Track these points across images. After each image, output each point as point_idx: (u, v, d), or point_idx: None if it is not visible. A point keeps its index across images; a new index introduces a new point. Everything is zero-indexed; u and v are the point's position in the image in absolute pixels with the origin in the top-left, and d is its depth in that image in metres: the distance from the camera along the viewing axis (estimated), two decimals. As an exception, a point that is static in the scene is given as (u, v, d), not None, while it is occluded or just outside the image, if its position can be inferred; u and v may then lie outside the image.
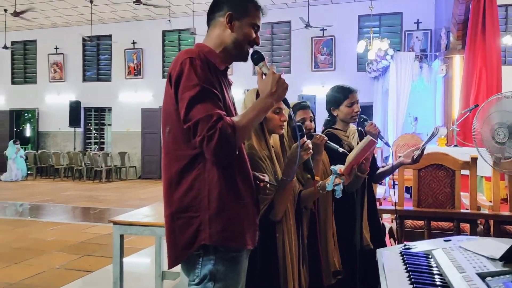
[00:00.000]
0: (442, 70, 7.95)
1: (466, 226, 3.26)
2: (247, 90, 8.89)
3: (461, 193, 3.49)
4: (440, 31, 8.94)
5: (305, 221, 2.14)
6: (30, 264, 4.24)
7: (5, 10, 11.32)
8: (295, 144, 1.79)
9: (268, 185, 1.65)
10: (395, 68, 8.44)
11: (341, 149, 2.14)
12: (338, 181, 1.81)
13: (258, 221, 1.63)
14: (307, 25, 9.69)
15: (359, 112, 2.51)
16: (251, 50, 1.58)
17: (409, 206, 3.44)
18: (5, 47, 11.87)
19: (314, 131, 2.34)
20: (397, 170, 2.89)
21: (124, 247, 3.07)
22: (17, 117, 15.39)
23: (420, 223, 3.40)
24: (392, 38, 10.40)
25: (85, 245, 4.98)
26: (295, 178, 1.92)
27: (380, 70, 9.20)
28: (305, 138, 1.79)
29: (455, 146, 5.55)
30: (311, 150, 1.80)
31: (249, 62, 1.66)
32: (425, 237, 3.26)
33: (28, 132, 19.10)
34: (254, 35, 1.55)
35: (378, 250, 1.66)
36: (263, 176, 1.67)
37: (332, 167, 1.88)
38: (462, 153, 5.02)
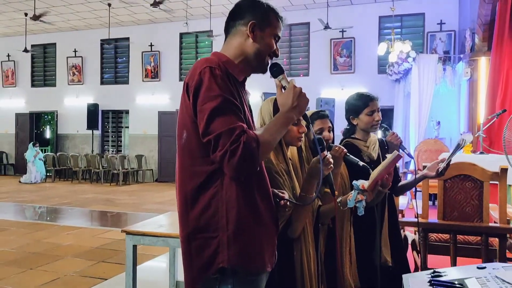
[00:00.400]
0: (467, 73, 7.68)
1: (494, 240, 3.07)
2: (264, 93, 8.74)
3: (490, 205, 3.31)
4: (464, 32, 8.66)
5: (321, 238, 2.02)
6: (45, 270, 4.21)
7: (26, 14, 11.48)
8: (315, 158, 1.67)
9: (288, 203, 1.56)
10: (417, 70, 8.21)
11: (361, 163, 2.01)
12: (360, 198, 1.69)
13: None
14: (326, 27, 9.52)
15: (380, 121, 2.38)
16: (270, 62, 1.51)
17: (433, 217, 3.27)
18: (25, 50, 12.03)
19: (333, 140, 2.21)
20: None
21: (139, 253, 3.01)
22: (38, 119, 15.61)
23: (445, 236, 3.23)
24: (414, 39, 10.15)
25: (100, 251, 4.94)
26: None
27: (402, 72, 8.97)
28: (325, 152, 1.66)
29: (481, 153, 5.32)
30: (332, 165, 1.68)
31: None
32: (450, 252, 3.09)
33: (48, 134, 19.38)
34: (275, 46, 1.48)
35: (404, 277, 1.53)
36: (283, 193, 1.58)
37: (354, 182, 1.75)
38: (489, 161, 4.80)
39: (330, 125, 2.19)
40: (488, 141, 5.93)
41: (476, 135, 5.63)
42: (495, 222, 3.23)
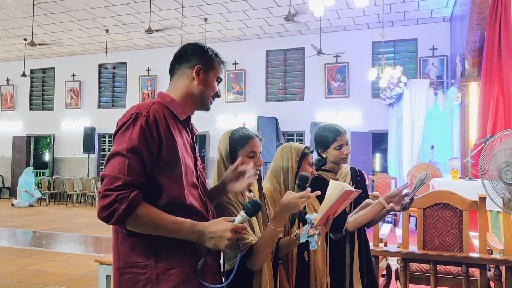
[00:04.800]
0: (458, 98, 7.71)
1: (476, 271, 3.02)
2: (259, 117, 8.72)
3: (472, 233, 3.26)
4: (455, 58, 8.74)
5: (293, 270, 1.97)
6: (25, 299, 4.14)
7: (25, 39, 11.66)
8: (295, 194, 1.62)
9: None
10: (409, 95, 8.25)
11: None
12: (313, 232, 1.65)
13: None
14: (319, 52, 9.63)
15: (348, 154, 2.36)
16: (212, 102, 1.61)
17: (414, 246, 3.21)
18: (23, 75, 12.16)
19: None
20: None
21: None
22: (35, 142, 15.64)
23: (426, 266, 3.17)
24: (407, 64, 10.25)
25: (85, 278, 4.86)
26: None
27: (394, 97, 9.02)
28: (309, 189, 1.64)
29: (469, 178, 5.28)
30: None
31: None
32: (430, 282, 3.03)
33: (46, 157, 19.41)
34: (217, 88, 1.59)
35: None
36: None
37: (308, 216, 1.72)
38: (477, 187, 4.75)
39: (311, 161, 2.18)
40: (478, 167, 5.88)
41: (464, 161, 5.60)
42: (476, 252, 3.17)
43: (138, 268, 1.36)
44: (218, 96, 1.62)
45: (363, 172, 2.67)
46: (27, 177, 12.53)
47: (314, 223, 1.63)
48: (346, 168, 2.45)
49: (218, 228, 1.36)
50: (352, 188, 1.65)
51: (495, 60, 6.67)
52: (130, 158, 1.31)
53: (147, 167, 1.34)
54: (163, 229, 1.33)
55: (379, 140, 11.98)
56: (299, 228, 1.92)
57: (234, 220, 1.42)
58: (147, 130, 1.34)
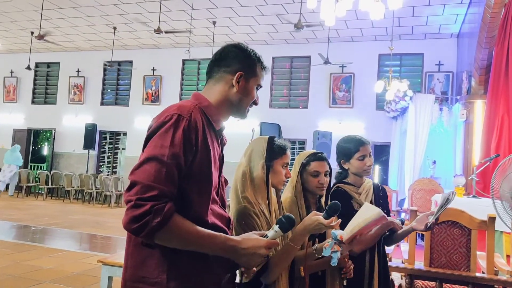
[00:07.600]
0: (463, 114, 7.72)
1: (482, 291, 2.99)
2: (262, 122, 8.65)
3: (478, 253, 3.24)
4: (461, 74, 8.76)
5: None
6: (21, 295, 4.08)
7: (32, 33, 11.64)
8: (321, 219, 1.59)
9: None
10: (414, 109, 8.27)
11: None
12: (336, 248, 1.62)
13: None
14: (326, 62, 9.63)
15: (371, 166, 2.33)
16: (249, 109, 1.50)
17: (419, 262, 3.19)
18: (28, 68, 12.12)
19: (329, 183, 2.16)
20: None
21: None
22: (35, 136, 15.57)
23: (432, 284, 3.14)
24: (412, 78, 10.26)
25: (82, 276, 4.80)
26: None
27: (399, 110, 9.02)
28: (335, 218, 1.61)
29: (473, 196, 5.27)
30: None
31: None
32: (436, 300, 3.00)
33: (45, 151, 19.32)
34: (256, 96, 1.47)
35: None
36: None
37: (333, 231, 1.69)
38: (482, 206, 4.75)
39: (328, 169, 2.12)
40: (482, 185, 5.88)
41: (469, 178, 5.58)
42: (483, 272, 3.14)
43: (146, 284, 1.24)
44: (256, 104, 1.49)
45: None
46: (16, 153, 12.76)
47: (339, 240, 1.60)
48: (368, 182, 2.41)
49: (252, 244, 1.28)
50: (386, 216, 1.63)
51: (502, 79, 6.68)
52: (168, 166, 1.18)
53: (181, 176, 1.23)
54: (195, 244, 1.23)
55: (380, 152, 11.99)
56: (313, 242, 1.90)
57: (266, 235, 1.34)
58: (187, 135, 1.23)
